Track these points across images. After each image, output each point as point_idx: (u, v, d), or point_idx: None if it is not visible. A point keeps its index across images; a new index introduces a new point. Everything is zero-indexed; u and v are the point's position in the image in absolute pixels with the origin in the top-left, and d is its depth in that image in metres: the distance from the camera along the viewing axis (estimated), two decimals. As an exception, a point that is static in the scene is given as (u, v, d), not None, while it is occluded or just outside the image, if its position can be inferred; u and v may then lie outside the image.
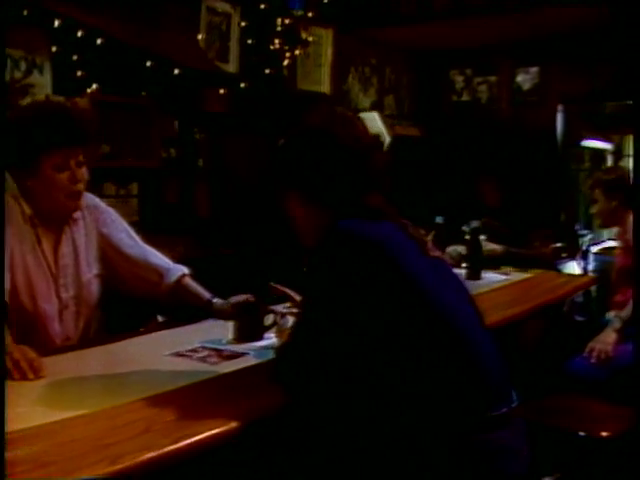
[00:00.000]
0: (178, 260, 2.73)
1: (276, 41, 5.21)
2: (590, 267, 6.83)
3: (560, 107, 6.33)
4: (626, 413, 2.74)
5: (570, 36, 6.01)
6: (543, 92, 6.37)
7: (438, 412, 1.65)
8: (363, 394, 1.71)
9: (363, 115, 5.47)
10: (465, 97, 6.73)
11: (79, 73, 4.17)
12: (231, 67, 5.15)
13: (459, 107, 6.77)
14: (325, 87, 5.88)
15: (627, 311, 3.37)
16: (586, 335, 3.54)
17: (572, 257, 6.44)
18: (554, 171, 6.38)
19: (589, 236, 7.15)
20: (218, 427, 1.50)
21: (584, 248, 6.95)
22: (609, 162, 7.77)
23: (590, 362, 3.31)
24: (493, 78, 6.57)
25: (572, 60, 6.19)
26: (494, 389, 1.73)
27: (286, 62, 5.37)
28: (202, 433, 1.46)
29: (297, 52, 5.34)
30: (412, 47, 6.65)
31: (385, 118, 5.44)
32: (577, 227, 7.05)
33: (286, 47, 5.28)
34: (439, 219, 3.93)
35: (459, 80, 6.73)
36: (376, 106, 6.40)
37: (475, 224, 3.81)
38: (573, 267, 6.26)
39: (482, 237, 3.97)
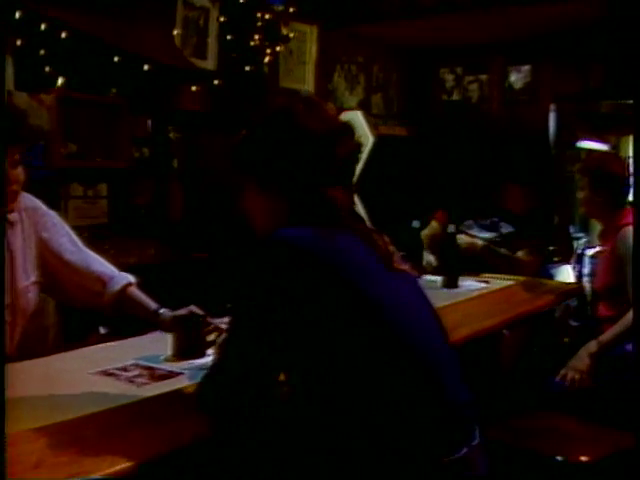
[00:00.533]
0: (148, 264, 2.54)
1: (256, 37, 5.02)
2: (585, 271, 6.69)
3: (553, 107, 6.12)
4: (609, 434, 2.53)
5: (563, 33, 5.81)
6: (535, 91, 6.18)
7: (384, 451, 1.46)
8: (297, 428, 1.52)
9: (346, 114, 5.29)
10: (455, 96, 6.54)
11: (46, 69, 3.99)
12: (209, 64, 4.97)
13: (449, 106, 6.57)
14: (309, 85, 5.70)
15: (608, 335, 3.13)
16: (580, 343, 3.36)
17: (566, 261, 6.28)
18: (547, 172, 6.18)
19: (584, 239, 6.98)
20: (115, 466, 1.30)
21: (579, 251, 6.79)
22: (606, 164, 7.64)
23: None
24: (484, 77, 6.38)
25: (565, 58, 6.02)
26: (454, 426, 1.53)
27: (267, 59, 5.18)
28: (95, 472, 1.26)
29: (278, 49, 5.14)
30: (401, 45, 6.46)
31: (369, 117, 5.23)
32: (572, 230, 6.87)
33: (266, 43, 5.09)
34: (416, 223, 3.74)
35: (449, 79, 6.54)
36: (363, 105, 6.21)
37: (452, 229, 3.61)
38: (567, 271, 6.08)
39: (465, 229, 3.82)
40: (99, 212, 4.26)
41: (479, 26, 5.87)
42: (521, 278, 3.69)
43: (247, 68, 5.10)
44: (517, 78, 6.23)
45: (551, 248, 5.60)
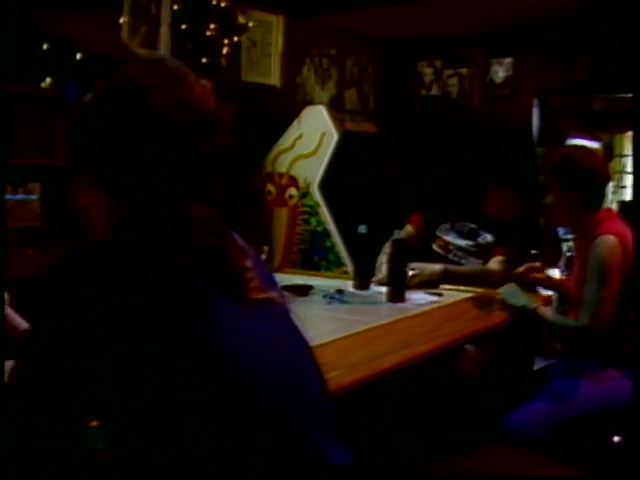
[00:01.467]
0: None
1: (212, 26, 4.65)
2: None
3: (536, 102, 5.75)
4: (569, 473, 2.16)
5: (547, 23, 5.47)
6: (518, 85, 5.80)
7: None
8: None
9: (308, 109, 4.95)
10: (435, 91, 6.16)
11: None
12: (161, 55, 4.60)
13: (428, 102, 6.20)
14: (274, 79, 5.33)
15: (546, 313, 2.86)
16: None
17: (553, 264, 5.95)
18: (531, 172, 5.80)
19: (572, 241, 6.63)
20: None
21: (568, 254, 6.46)
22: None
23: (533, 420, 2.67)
24: (464, 70, 6.00)
25: (549, 50, 5.67)
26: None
27: (225, 50, 4.81)
28: None
29: (236, 39, 4.77)
30: (376, 37, 6.09)
31: (334, 112, 4.86)
32: (562, 231, 6.52)
33: (225, 33, 4.72)
34: (362, 228, 3.36)
35: (428, 72, 6.17)
36: (335, 101, 5.86)
37: (398, 234, 3.25)
38: (554, 276, 5.76)
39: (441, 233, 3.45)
40: (31, 214, 3.89)
41: (458, 16, 5.51)
42: (481, 290, 3.30)
43: (203, 60, 4.74)
44: (499, 71, 5.84)
45: (533, 252, 5.23)
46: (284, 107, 5.07)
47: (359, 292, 3.30)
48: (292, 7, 5.30)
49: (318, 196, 4.72)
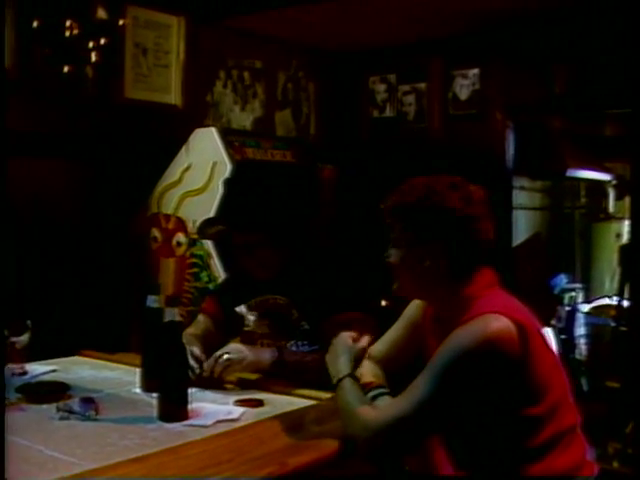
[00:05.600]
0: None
1: (68, 24, 3.61)
2: (579, 332, 5.27)
3: (510, 123, 4.63)
4: None
5: (517, 24, 4.41)
6: (485, 102, 4.68)
7: None
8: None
9: (197, 132, 3.88)
10: (389, 112, 5.06)
11: None
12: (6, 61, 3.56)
13: (381, 125, 5.11)
14: (174, 97, 4.28)
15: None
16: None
17: (546, 323, 4.84)
18: (506, 209, 4.69)
19: (579, 291, 5.54)
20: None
21: (568, 308, 5.31)
22: (611, 198, 6.23)
23: None
24: (422, 85, 4.91)
25: (523, 57, 4.56)
26: None
27: (94, 57, 3.75)
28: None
29: (103, 41, 3.71)
30: (316, 46, 5.02)
31: (229, 137, 3.77)
32: (565, 280, 5.42)
33: (88, 33, 3.68)
34: (152, 301, 2.29)
35: (381, 89, 5.08)
36: (262, 124, 4.80)
37: (153, 302, 2.25)
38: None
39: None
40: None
41: (408, 19, 4.44)
42: (323, 394, 2.19)
43: (65, 69, 3.71)
44: (463, 85, 4.74)
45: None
46: (188, 133, 3.97)
47: (139, 397, 2.28)
48: (195, 7, 4.26)
49: (209, 244, 3.67)
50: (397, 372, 2.11)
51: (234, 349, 2.39)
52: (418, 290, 1.98)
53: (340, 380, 1.94)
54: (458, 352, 1.74)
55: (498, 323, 1.74)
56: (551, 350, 1.91)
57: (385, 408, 1.87)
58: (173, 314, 2.08)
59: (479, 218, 1.87)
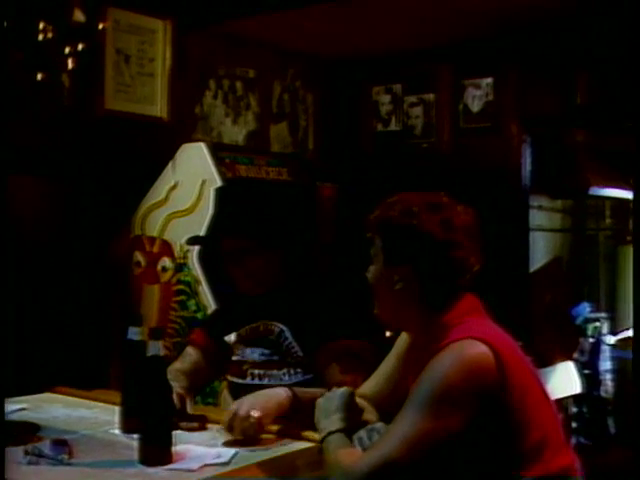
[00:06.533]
0: None
1: (41, 26, 3.31)
2: (604, 367, 5.06)
3: (527, 137, 4.34)
4: None
5: (535, 30, 4.17)
6: (499, 114, 4.41)
7: None
8: None
9: (185, 147, 3.58)
10: (394, 125, 4.78)
11: None
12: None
13: (386, 140, 4.82)
14: (160, 109, 3.99)
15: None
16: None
17: (568, 356, 4.74)
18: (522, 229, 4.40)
19: (603, 321, 5.23)
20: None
21: (592, 340, 5.11)
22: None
23: None
24: (431, 96, 4.63)
25: (540, 65, 4.31)
26: None
27: (70, 64, 3.44)
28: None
29: (81, 47, 3.40)
30: (314, 52, 4.76)
31: (220, 152, 3.52)
32: (588, 309, 5.17)
33: (63, 37, 3.38)
34: (134, 333, 2.25)
35: (385, 101, 4.81)
36: (255, 138, 4.53)
37: (134, 334, 2.17)
38: (568, 372, 4.66)
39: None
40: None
41: (414, 23, 4.19)
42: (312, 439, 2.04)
43: (39, 77, 3.41)
44: (475, 96, 4.47)
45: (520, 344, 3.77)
46: (175, 149, 3.71)
47: (117, 438, 2.17)
48: (183, 10, 3.96)
49: (198, 269, 3.49)
50: (394, 405, 1.93)
51: (255, 403, 2.14)
52: (393, 314, 1.93)
53: (329, 434, 1.87)
54: (435, 382, 1.70)
55: (474, 348, 1.71)
56: (539, 383, 1.85)
57: (367, 452, 1.80)
58: (157, 348, 1.99)
59: (459, 244, 1.81)
